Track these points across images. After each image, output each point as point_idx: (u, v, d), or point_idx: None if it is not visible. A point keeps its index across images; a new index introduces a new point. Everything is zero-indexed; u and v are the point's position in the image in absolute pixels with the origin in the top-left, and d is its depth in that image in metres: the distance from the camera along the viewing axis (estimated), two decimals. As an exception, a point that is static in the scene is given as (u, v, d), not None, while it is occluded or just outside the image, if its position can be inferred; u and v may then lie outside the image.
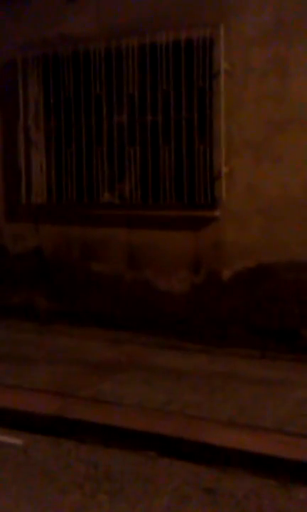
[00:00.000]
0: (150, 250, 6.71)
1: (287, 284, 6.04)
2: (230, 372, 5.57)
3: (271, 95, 6.01)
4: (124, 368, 5.72)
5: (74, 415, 4.74)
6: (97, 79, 6.79)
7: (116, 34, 6.59)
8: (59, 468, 4.18)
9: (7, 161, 7.47)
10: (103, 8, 6.70)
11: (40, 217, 7.32)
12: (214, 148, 6.28)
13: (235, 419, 4.57)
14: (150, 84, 6.52)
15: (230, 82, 6.16)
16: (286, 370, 5.63)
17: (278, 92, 5.99)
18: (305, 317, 5.99)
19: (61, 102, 7.00)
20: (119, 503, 3.72)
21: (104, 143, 6.85)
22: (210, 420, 4.58)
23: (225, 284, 6.33)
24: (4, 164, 7.51)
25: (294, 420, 4.53)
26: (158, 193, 6.60)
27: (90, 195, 6.96)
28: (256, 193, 6.14)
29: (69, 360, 5.93)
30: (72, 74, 6.89)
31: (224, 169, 6.23)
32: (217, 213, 6.31)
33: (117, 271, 6.86)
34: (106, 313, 6.92)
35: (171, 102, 6.45)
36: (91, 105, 6.86)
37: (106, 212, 6.92)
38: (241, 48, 6.10)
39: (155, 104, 6.54)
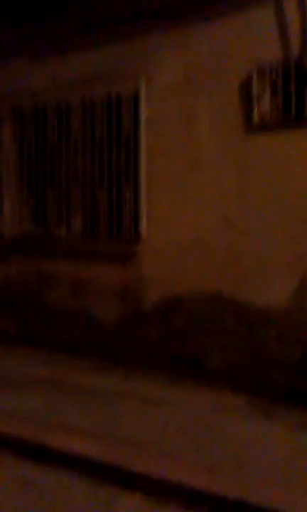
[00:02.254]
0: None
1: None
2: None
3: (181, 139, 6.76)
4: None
5: None
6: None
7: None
8: None
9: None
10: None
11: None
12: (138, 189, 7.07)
13: None
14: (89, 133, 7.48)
15: (150, 129, 6.97)
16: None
17: (187, 136, 6.72)
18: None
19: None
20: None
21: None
22: None
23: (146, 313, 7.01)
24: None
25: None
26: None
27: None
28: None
29: None
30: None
31: (145, 209, 6.98)
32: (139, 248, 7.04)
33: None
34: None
35: (105, 148, 7.35)
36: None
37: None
38: (159, 99, 6.91)
39: (93, 150, 7.47)
